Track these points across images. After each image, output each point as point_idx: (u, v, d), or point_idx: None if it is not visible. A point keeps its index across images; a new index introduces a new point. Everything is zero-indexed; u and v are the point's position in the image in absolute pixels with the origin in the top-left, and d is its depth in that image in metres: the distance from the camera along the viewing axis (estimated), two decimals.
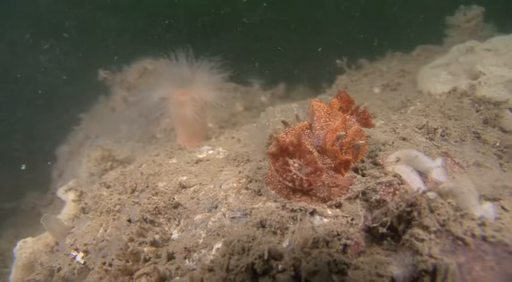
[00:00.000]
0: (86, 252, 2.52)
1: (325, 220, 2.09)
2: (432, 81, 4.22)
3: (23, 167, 6.43)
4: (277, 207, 2.17)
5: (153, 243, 2.33)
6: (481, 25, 5.59)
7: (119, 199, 2.91)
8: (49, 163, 6.98)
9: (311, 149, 2.21)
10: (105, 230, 2.60)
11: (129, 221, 2.46)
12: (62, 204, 3.91)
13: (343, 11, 8.35)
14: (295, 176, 2.08)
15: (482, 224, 1.87)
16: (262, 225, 2.11)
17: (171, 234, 2.43)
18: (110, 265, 2.22)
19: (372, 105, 4.15)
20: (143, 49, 7.17)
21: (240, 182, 2.57)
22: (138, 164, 3.74)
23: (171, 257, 2.21)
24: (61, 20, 8.38)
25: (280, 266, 1.87)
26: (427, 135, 2.97)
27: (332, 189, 2.21)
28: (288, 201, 2.17)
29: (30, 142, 8.39)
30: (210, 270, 1.96)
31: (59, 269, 2.55)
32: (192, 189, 2.77)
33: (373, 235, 2.08)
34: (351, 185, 2.26)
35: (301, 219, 2.08)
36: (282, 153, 2.10)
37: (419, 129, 3.03)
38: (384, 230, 2.01)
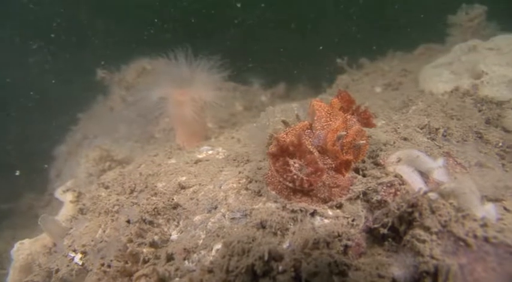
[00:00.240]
0: (84, 253, 2.52)
1: (326, 221, 2.09)
2: (434, 81, 4.23)
3: (17, 173, 6.43)
4: (278, 208, 2.18)
5: (152, 244, 2.34)
6: (484, 24, 5.60)
7: (118, 200, 2.92)
8: (45, 166, 6.99)
9: (312, 149, 2.22)
10: (104, 231, 2.61)
11: (128, 221, 2.47)
12: (59, 205, 3.92)
13: (343, 10, 8.37)
14: (295, 177, 2.09)
15: (484, 225, 1.88)
16: (262, 226, 2.11)
17: (170, 235, 2.44)
18: (109, 266, 2.23)
19: (373, 105, 4.16)
20: (141, 48, 7.19)
21: (240, 183, 2.57)
22: (136, 164, 3.75)
23: (170, 258, 2.22)
24: (57, 20, 8.42)
25: (280, 267, 1.88)
26: (428, 135, 2.98)
27: (333, 189, 2.22)
28: (288, 201, 2.18)
29: (26, 142, 8.42)
30: (210, 271, 1.97)
31: (57, 270, 2.55)
32: (191, 189, 2.77)
33: (374, 236, 2.09)
34: (351, 185, 2.27)
35: (301, 220, 2.09)
36: (283, 153, 2.11)
37: (421, 129, 3.04)
38: (385, 231, 2.02)
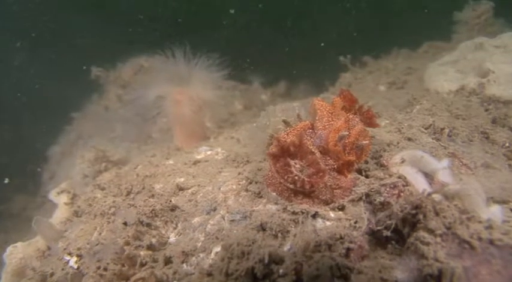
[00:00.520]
0: (79, 256, 2.54)
1: (328, 223, 2.12)
2: (439, 79, 4.26)
3: (6, 181, 6.44)
4: (278, 210, 2.20)
5: (150, 247, 2.36)
6: (491, 21, 5.63)
7: (114, 201, 2.94)
8: (39, 169, 7.01)
9: (313, 150, 2.24)
10: (100, 234, 2.64)
11: (125, 224, 2.49)
12: (53, 208, 3.94)
13: (346, 6, 8.40)
14: (296, 178, 2.11)
15: (489, 227, 1.90)
16: (262, 228, 2.14)
17: (169, 238, 2.46)
18: (105, 269, 2.25)
19: (377, 104, 4.19)
20: (138, 45, 7.22)
21: (239, 184, 2.60)
22: (133, 165, 3.77)
23: (168, 261, 2.24)
24: (45, 18, 8.46)
25: (281, 271, 1.90)
26: (433, 135, 3.00)
27: (335, 191, 2.24)
28: (289, 203, 2.20)
29: (18, 143, 8.44)
30: (209, 274, 2.00)
31: (52, 274, 2.57)
32: (189, 191, 2.80)
33: (377, 238, 2.11)
34: (354, 186, 2.29)
35: (302, 222, 2.11)
36: (283, 153, 2.13)
37: (426, 129, 3.07)
38: (388, 233, 2.04)
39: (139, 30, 8.03)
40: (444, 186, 2.16)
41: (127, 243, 2.34)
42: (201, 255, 2.15)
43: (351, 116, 2.49)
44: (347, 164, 2.30)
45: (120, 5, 8.43)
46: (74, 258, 2.54)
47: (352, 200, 2.23)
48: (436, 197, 2.01)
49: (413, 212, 1.99)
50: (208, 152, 3.69)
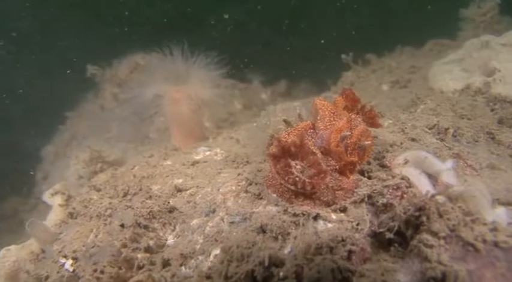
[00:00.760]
0: (75, 259, 2.56)
1: (329, 225, 2.14)
2: (444, 78, 4.28)
3: None
4: (279, 212, 2.22)
5: (148, 250, 2.38)
6: (497, 18, 5.66)
7: (110, 203, 2.96)
8: (31, 173, 7.02)
9: (314, 150, 2.26)
10: (96, 236, 2.66)
11: (122, 225, 2.51)
12: (47, 209, 3.96)
13: (349, 3, 8.42)
14: (297, 179, 2.13)
15: (494, 229, 1.93)
16: (262, 230, 2.16)
17: (167, 240, 2.48)
18: (102, 272, 2.27)
19: (380, 104, 4.22)
20: (134, 43, 7.25)
21: (239, 185, 2.62)
22: (130, 166, 3.79)
23: (166, 263, 2.26)
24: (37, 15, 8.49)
25: (281, 273, 1.92)
26: (437, 135, 3.03)
27: (336, 192, 2.27)
28: (290, 205, 2.22)
29: (10, 143, 8.45)
30: (208, 277, 2.02)
31: (47, 277, 2.59)
32: (188, 192, 2.82)
33: (379, 241, 2.13)
34: (356, 188, 2.31)
35: (303, 224, 2.13)
36: (284, 154, 2.15)
37: (430, 129, 3.09)
38: (391, 236, 2.05)
39: (127, 29, 8.08)
40: (448, 187, 2.19)
41: (124, 246, 2.36)
42: (200, 257, 2.17)
43: (353, 116, 2.52)
44: (349, 165, 2.32)
45: (115, 5, 8.48)
46: (70, 261, 2.56)
47: (354, 202, 2.24)
48: (440, 198, 2.04)
49: (417, 214, 2.01)
50: (207, 153, 3.71)
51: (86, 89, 7.42)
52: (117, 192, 3.15)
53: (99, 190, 3.45)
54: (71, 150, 6.11)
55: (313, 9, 8.46)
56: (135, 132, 5.72)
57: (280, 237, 2.11)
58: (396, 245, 2.07)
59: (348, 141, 2.33)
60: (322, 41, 7.40)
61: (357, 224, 2.15)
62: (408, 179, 2.29)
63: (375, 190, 2.24)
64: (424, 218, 2.00)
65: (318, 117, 2.46)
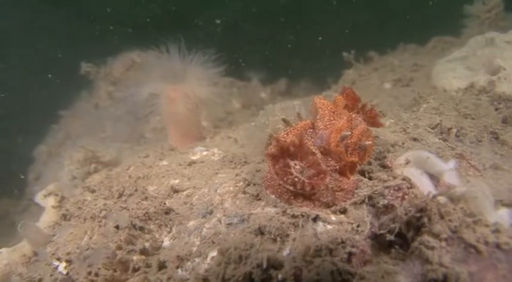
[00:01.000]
0: (69, 261, 2.58)
1: (329, 227, 2.16)
2: (448, 76, 4.31)
3: None
4: (277, 213, 2.24)
5: (143, 252, 2.40)
6: (502, 15, 5.69)
7: (105, 204, 2.98)
8: (22, 176, 7.01)
9: (314, 150, 2.28)
10: (90, 238, 2.68)
11: (117, 227, 2.53)
12: (39, 211, 3.98)
13: None
14: (296, 179, 2.15)
15: (496, 231, 1.95)
16: (260, 232, 2.17)
17: (163, 242, 2.50)
18: (96, 275, 2.29)
19: (382, 103, 4.25)
20: (130, 39, 7.26)
21: (237, 186, 2.64)
22: (125, 166, 3.81)
23: (162, 266, 2.28)
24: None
25: (280, 276, 1.94)
26: (440, 135, 3.05)
27: (336, 193, 2.29)
28: (288, 206, 2.24)
29: (1, 143, 8.45)
30: (205, 280, 2.04)
31: (40, 280, 2.61)
32: (184, 193, 2.84)
33: (380, 243, 2.15)
34: (356, 189, 2.33)
35: (303, 226, 2.15)
36: (283, 154, 2.17)
37: (432, 129, 3.12)
38: (392, 237, 2.07)
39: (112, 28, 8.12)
40: (450, 188, 2.21)
41: (119, 248, 2.38)
42: (197, 260, 2.19)
43: (353, 115, 2.54)
44: (349, 166, 2.34)
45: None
46: (63, 264, 2.58)
47: (355, 203, 2.27)
48: (441, 199, 2.06)
49: (418, 215, 2.03)
50: (204, 153, 3.74)
51: (80, 87, 7.42)
52: (112, 193, 3.17)
53: (93, 191, 3.47)
54: (65, 150, 6.11)
55: (314, 5, 8.48)
56: (131, 132, 5.74)
57: (278, 239, 2.13)
58: (397, 246, 2.09)
59: (348, 141, 2.35)
60: (320, 38, 7.42)
61: (357, 226, 2.17)
62: (409, 179, 2.31)
63: (376, 191, 2.26)
64: (425, 219, 2.01)
65: (318, 117, 2.48)
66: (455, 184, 2.34)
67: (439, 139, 3.00)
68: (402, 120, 3.28)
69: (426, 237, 1.98)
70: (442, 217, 2.01)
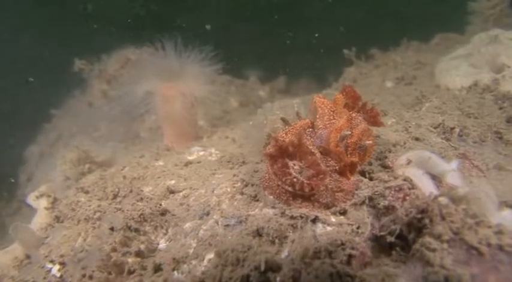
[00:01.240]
0: (62, 264, 2.61)
1: (328, 228, 2.18)
2: (451, 75, 4.34)
3: None
4: (276, 214, 2.26)
5: (138, 254, 2.42)
6: (507, 11, 5.72)
7: (99, 206, 3.00)
8: (12, 180, 7.01)
9: (313, 150, 2.30)
10: (84, 240, 2.70)
11: (112, 229, 2.55)
12: (31, 213, 3.98)
13: None
14: (295, 180, 2.17)
15: (499, 232, 1.97)
16: (258, 233, 2.19)
17: (158, 244, 2.52)
18: (90, 278, 2.31)
19: (384, 101, 4.27)
20: (124, 36, 7.26)
21: (234, 187, 2.66)
22: (120, 166, 3.83)
23: (158, 268, 2.30)
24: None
25: (278, 278, 1.96)
26: (443, 135, 3.08)
27: (336, 194, 2.31)
28: (287, 207, 2.26)
29: None
30: None
31: None
32: (181, 194, 2.86)
33: (380, 245, 2.17)
34: (357, 189, 2.35)
35: (301, 227, 2.17)
36: (281, 154, 2.19)
37: (435, 128, 3.14)
38: (393, 239, 2.09)
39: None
40: (453, 189, 2.24)
41: (114, 250, 2.40)
42: (193, 262, 2.21)
43: (353, 114, 2.56)
44: (349, 166, 2.36)
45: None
46: (57, 266, 2.60)
47: (355, 204, 2.29)
48: (443, 200, 2.08)
49: (419, 216, 2.05)
50: (201, 153, 3.76)
51: (73, 85, 7.42)
52: (107, 194, 3.18)
53: (87, 192, 3.48)
54: (57, 150, 6.12)
55: (309, 1, 8.49)
56: (126, 131, 5.75)
57: (277, 240, 2.15)
58: (398, 249, 2.10)
59: (348, 141, 2.38)
60: (316, 35, 7.42)
61: (357, 227, 2.19)
62: (411, 180, 2.33)
63: (376, 192, 2.28)
64: (426, 221, 2.03)
65: (317, 116, 2.50)
66: (458, 185, 2.36)
67: (442, 139, 3.02)
68: (404, 120, 3.30)
69: (428, 239, 2.00)
70: (443, 218, 2.02)
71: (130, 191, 3.06)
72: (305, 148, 2.19)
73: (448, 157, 2.67)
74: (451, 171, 2.42)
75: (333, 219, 2.23)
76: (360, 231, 2.17)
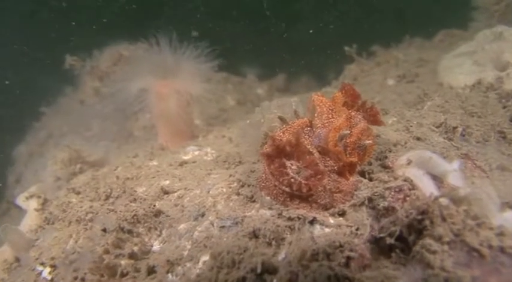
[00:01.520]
0: (53, 266, 2.62)
1: (327, 230, 2.20)
2: (454, 72, 4.37)
3: None
4: (273, 215, 2.28)
5: (132, 256, 2.44)
6: None
7: (91, 207, 3.02)
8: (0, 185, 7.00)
9: (311, 150, 2.33)
10: (76, 241, 2.71)
11: (104, 230, 2.57)
12: (20, 214, 4.00)
13: None
14: (293, 180, 2.19)
15: (500, 234, 2.00)
16: (255, 235, 2.21)
17: (152, 246, 2.54)
18: (83, 280, 2.33)
19: (385, 100, 4.30)
20: (116, 32, 7.26)
21: (230, 187, 2.69)
22: (112, 166, 3.85)
23: (151, 271, 2.32)
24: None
25: (274, 281, 1.98)
26: (445, 134, 3.10)
27: (335, 195, 2.33)
28: (284, 208, 2.28)
29: None
30: None
31: None
32: (175, 194, 2.88)
33: (380, 247, 2.19)
34: (356, 190, 2.38)
35: (299, 229, 2.19)
36: (279, 154, 2.21)
37: (437, 127, 3.17)
38: (392, 241, 2.12)
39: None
40: (454, 189, 2.26)
41: (106, 252, 2.41)
42: (188, 264, 2.23)
43: (353, 113, 2.59)
44: (348, 166, 2.39)
45: None
46: (48, 269, 2.62)
47: (354, 205, 2.31)
48: (444, 201, 2.11)
49: (420, 217, 2.08)
50: (197, 152, 3.78)
51: (64, 82, 7.42)
52: (99, 195, 3.20)
53: (78, 193, 3.50)
54: (47, 150, 6.14)
55: None
56: (119, 130, 5.76)
57: (274, 242, 2.17)
58: (398, 251, 2.13)
59: (347, 140, 2.40)
60: (316, 31, 7.42)
61: (357, 229, 2.21)
62: (411, 180, 2.35)
63: (376, 192, 2.31)
64: (427, 222, 2.05)
65: (316, 114, 2.52)
66: (460, 185, 2.39)
67: (444, 138, 3.05)
68: (405, 119, 3.33)
69: (428, 241, 2.03)
70: (444, 220, 2.05)
71: (124, 192, 3.08)
72: (303, 148, 2.22)
73: (449, 157, 2.70)
74: (453, 171, 2.45)
75: (331, 220, 2.25)
76: (359, 232, 2.19)
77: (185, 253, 2.30)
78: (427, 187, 2.29)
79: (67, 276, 2.39)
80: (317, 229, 2.20)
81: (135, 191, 3.02)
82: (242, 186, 2.62)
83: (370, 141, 2.47)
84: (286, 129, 2.46)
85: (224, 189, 2.68)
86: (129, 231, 2.57)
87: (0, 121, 8.29)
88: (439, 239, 2.02)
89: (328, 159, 2.37)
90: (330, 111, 2.50)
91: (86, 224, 2.85)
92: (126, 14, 8.15)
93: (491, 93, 3.81)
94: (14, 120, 7.89)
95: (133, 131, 5.81)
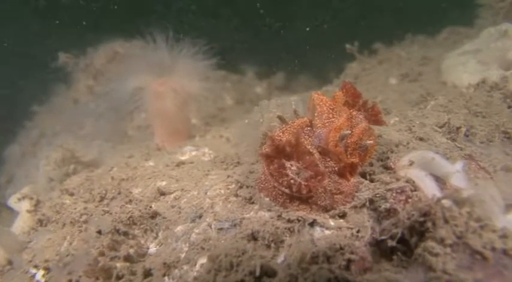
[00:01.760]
0: (47, 269, 2.64)
1: (327, 232, 2.22)
2: (458, 71, 4.39)
3: None
4: (272, 217, 2.30)
5: (127, 258, 2.46)
6: None
7: (85, 208, 3.04)
8: None
9: (311, 150, 2.34)
10: (70, 244, 2.73)
11: (99, 232, 2.59)
12: (12, 216, 4.02)
13: None
14: (292, 181, 2.21)
15: (503, 236, 2.02)
16: (253, 237, 2.23)
17: (148, 248, 2.56)
18: None
19: (387, 99, 4.32)
20: (110, 28, 7.26)
21: (228, 188, 2.70)
22: (107, 167, 3.87)
23: (148, 273, 2.34)
24: None
25: None
26: (448, 134, 3.12)
27: (335, 196, 2.35)
28: (284, 210, 2.30)
29: None
30: None
31: None
32: (172, 196, 2.90)
33: (381, 249, 2.21)
34: (357, 191, 2.39)
35: (299, 231, 2.21)
36: (278, 154, 2.22)
37: (440, 127, 3.19)
38: (394, 244, 2.13)
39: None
40: (456, 191, 2.28)
41: (101, 254, 2.43)
42: (185, 267, 2.24)
43: (354, 113, 2.60)
44: (349, 167, 2.40)
45: None
46: (41, 272, 2.63)
47: (355, 207, 2.32)
48: (446, 203, 2.13)
49: (422, 219, 2.09)
50: (194, 153, 3.80)
51: (57, 80, 7.42)
52: (93, 196, 3.22)
53: (72, 194, 3.52)
54: (40, 150, 6.13)
55: None
56: (113, 130, 5.76)
57: (273, 245, 2.19)
58: (399, 253, 2.15)
59: (348, 141, 2.41)
60: (307, 29, 7.43)
61: (357, 231, 2.22)
62: (413, 181, 2.37)
63: (377, 194, 2.32)
64: (429, 224, 2.07)
65: (316, 114, 2.53)
66: (463, 187, 2.41)
67: (447, 139, 3.07)
68: (408, 118, 3.35)
69: (430, 243, 2.05)
70: (447, 222, 2.07)
71: (119, 193, 3.09)
72: (303, 148, 2.23)
73: (453, 158, 2.72)
74: (456, 172, 2.47)
75: (331, 222, 2.27)
76: (359, 235, 2.21)
77: (182, 256, 2.32)
78: (430, 188, 2.31)
79: (61, 279, 2.40)
80: (317, 231, 2.22)
81: (131, 192, 3.04)
82: (240, 187, 2.63)
83: (371, 142, 2.49)
84: (286, 129, 2.47)
85: (222, 191, 2.69)
86: (125, 233, 2.59)
87: None
88: (441, 241, 2.04)
89: (329, 159, 2.39)
90: (331, 111, 2.51)
91: (80, 226, 2.87)
92: (116, 12, 8.13)
93: (496, 93, 3.83)
94: (5, 119, 7.87)
95: (128, 131, 5.81)
